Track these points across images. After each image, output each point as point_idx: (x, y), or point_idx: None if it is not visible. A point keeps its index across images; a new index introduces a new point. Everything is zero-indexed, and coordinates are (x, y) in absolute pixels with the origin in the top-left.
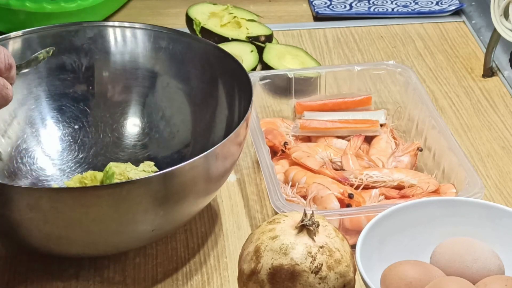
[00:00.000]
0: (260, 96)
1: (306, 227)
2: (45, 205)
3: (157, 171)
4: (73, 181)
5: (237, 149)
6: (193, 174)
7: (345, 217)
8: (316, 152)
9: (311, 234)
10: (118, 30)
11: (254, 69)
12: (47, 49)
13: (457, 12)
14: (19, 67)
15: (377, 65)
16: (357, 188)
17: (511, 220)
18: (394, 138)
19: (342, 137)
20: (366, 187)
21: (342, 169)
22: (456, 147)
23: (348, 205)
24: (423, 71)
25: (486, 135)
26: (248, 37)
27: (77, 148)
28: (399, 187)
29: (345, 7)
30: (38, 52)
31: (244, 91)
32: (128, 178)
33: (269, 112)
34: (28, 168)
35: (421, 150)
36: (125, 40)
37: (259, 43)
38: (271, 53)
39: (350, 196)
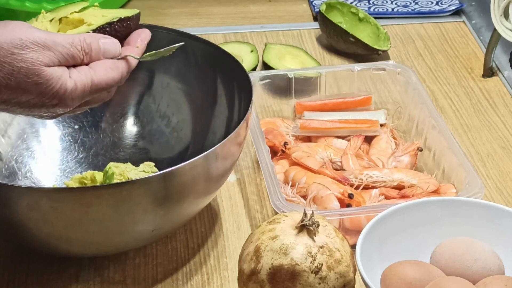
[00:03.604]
0: (260, 96)
1: (306, 227)
2: (45, 205)
3: (157, 172)
4: (73, 181)
5: (237, 149)
6: (193, 174)
7: (345, 217)
8: (316, 152)
9: (311, 234)
10: None
11: (254, 69)
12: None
13: (457, 12)
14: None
15: (377, 65)
16: (357, 188)
17: (511, 220)
18: (394, 138)
19: (342, 137)
20: (366, 187)
21: (342, 169)
22: (456, 147)
23: (348, 205)
24: (423, 71)
25: (486, 135)
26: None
27: (77, 148)
28: (399, 187)
29: None
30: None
31: (244, 91)
32: (128, 178)
33: (269, 112)
34: (28, 168)
35: (421, 150)
36: None
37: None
38: (271, 53)
39: (350, 196)
